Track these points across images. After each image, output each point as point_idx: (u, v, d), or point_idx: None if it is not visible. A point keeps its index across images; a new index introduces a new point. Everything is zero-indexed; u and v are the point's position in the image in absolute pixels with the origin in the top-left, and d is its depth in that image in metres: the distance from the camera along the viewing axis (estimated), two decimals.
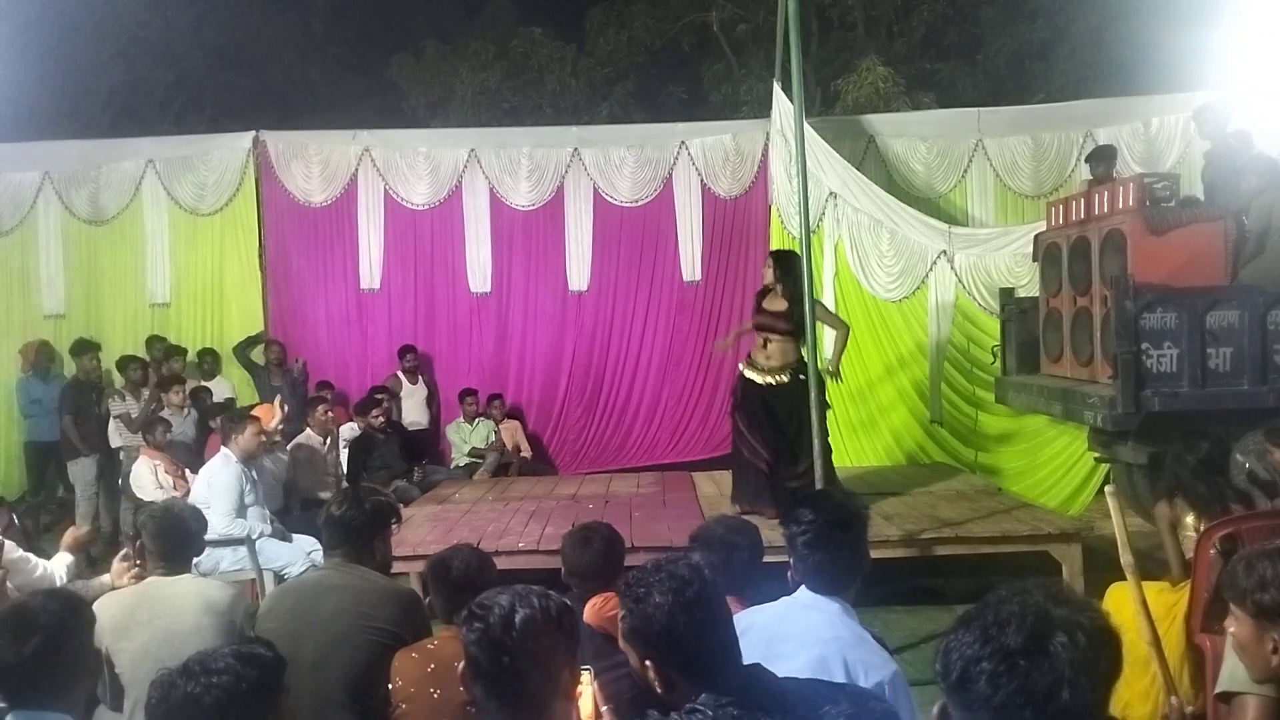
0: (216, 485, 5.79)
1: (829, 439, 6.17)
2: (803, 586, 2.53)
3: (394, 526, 3.56)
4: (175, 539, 3.36)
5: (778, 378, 6.22)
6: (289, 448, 7.15)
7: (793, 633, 2.41)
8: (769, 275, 6.39)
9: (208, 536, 5.38)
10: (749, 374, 6.37)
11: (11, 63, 10.29)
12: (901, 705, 2.31)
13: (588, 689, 2.30)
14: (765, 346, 6.31)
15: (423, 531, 6.15)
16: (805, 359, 5.88)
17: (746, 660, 2.00)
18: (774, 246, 9.21)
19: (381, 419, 8.21)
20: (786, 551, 2.60)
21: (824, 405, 5.85)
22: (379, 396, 8.48)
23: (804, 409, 5.83)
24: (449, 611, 3.06)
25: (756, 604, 2.64)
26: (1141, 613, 2.55)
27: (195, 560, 4.73)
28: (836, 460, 8.49)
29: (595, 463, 9.55)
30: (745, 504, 6.25)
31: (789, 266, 6.24)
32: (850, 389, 8.83)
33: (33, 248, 9.40)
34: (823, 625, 2.42)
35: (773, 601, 2.58)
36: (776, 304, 6.30)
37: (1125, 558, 2.73)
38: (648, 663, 1.94)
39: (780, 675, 2.01)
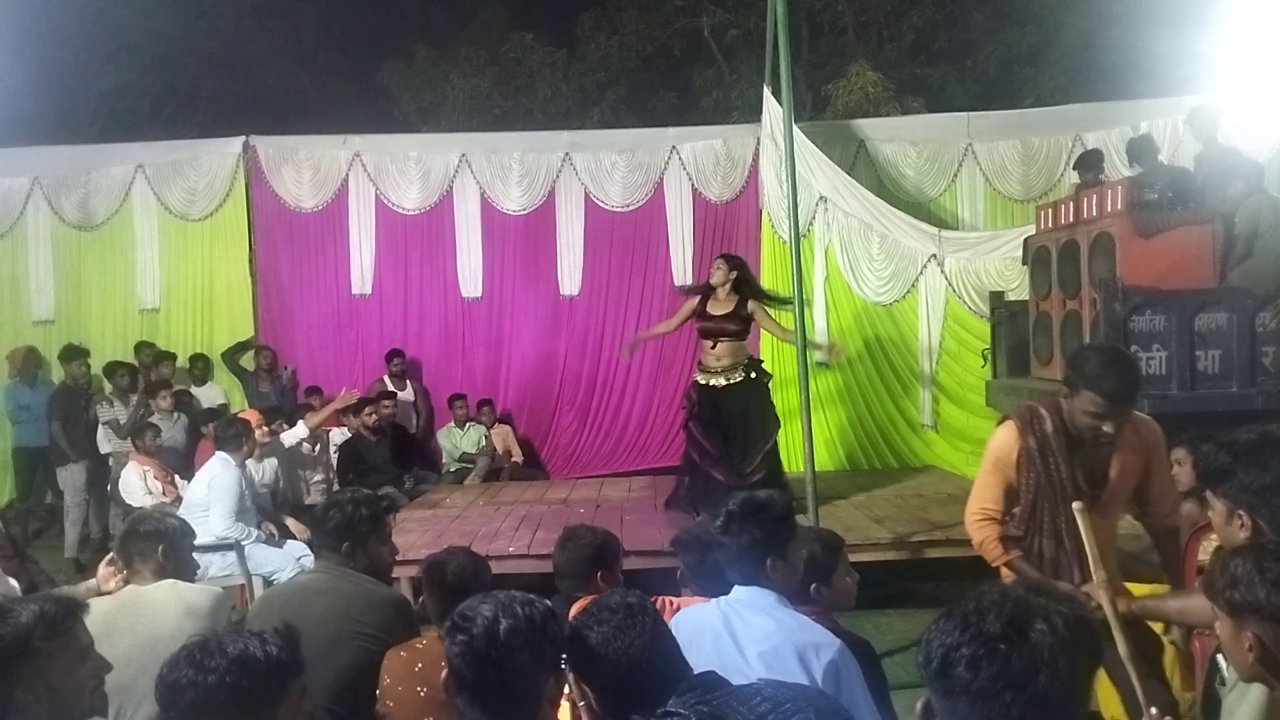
0: (218, 488, 5.75)
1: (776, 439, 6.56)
2: (735, 585, 2.61)
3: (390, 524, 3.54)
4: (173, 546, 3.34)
5: (730, 377, 6.45)
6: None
7: (740, 631, 2.49)
8: (720, 275, 6.56)
9: (204, 540, 5.44)
10: (701, 379, 6.57)
11: (2, 68, 10.26)
12: (852, 676, 2.41)
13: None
14: (714, 348, 6.51)
15: (413, 536, 6.14)
16: (755, 357, 6.57)
17: (705, 665, 2.05)
18: (765, 251, 9.25)
19: (375, 418, 8.21)
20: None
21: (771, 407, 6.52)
22: (385, 403, 8.47)
23: (755, 406, 6.38)
24: (442, 615, 3.05)
25: None
26: (1117, 626, 2.54)
27: None
28: (829, 463, 8.58)
29: (587, 467, 9.54)
30: (682, 507, 6.42)
31: (742, 267, 6.65)
32: (840, 392, 8.87)
33: (22, 253, 9.36)
34: (766, 618, 2.50)
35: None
36: (721, 307, 6.51)
37: (1098, 574, 2.70)
38: (598, 694, 1.98)
39: (735, 670, 2.09)
